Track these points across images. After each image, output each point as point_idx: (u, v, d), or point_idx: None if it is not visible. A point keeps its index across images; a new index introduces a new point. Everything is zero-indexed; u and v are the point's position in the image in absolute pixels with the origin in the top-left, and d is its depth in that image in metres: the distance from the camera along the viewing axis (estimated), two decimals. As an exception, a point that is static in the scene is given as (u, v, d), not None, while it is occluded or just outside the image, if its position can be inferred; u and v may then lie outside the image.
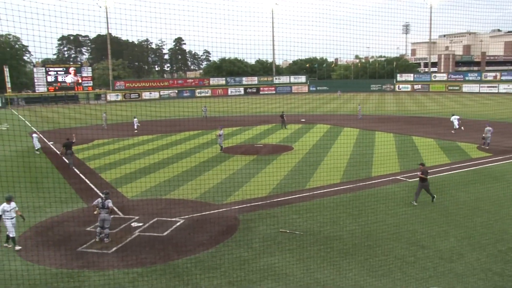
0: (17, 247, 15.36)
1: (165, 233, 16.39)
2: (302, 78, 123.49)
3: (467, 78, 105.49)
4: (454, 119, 40.70)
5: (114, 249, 15.03)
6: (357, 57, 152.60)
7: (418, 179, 19.53)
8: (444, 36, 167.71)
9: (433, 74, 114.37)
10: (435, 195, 19.41)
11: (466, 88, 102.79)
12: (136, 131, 46.25)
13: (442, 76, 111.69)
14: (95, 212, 16.38)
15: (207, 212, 18.71)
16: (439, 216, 17.52)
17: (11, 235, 15.35)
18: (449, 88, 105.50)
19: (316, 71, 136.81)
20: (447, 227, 16.35)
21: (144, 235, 16.19)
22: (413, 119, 47.94)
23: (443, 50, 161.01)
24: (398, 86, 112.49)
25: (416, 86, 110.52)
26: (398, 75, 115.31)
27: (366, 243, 14.92)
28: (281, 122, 47.64)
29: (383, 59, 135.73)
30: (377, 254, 14.11)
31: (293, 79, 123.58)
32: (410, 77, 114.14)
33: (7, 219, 15.25)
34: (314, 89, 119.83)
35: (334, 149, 32.45)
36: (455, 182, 22.57)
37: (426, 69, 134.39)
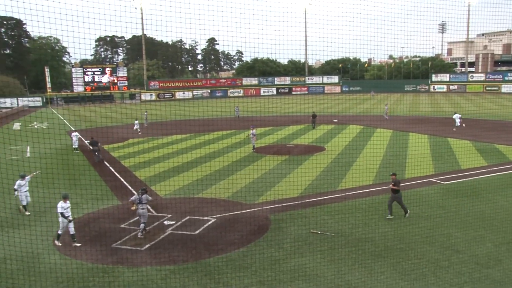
0: (76, 244, 15.64)
1: (197, 232, 16.56)
2: (335, 79, 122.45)
3: (506, 78, 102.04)
4: (456, 117, 43.26)
5: (147, 246, 15.30)
6: (391, 57, 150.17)
7: (453, 182, 19.01)
8: (483, 35, 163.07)
9: (470, 74, 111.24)
10: (408, 210, 17.77)
11: (505, 88, 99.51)
12: (139, 133, 44.53)
13: (480, 76, 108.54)
14: (132, 208, 16.76)
15: (238, 212, 18.79)
16: (475, 220, 17.04)
17: (71, 232, 15.70)
18: (487, 88, 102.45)
19: (349, 71, 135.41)
20: (484, 231, 15.90)
21: (176, 233, 16.41)
22: (448, 120, 46.75)
23: (481, 49, 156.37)
24: (433, 87, 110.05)
25: (452, 87, 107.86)
26: (433, 75, 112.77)
27: (399, 246, 14.67)
28: (311, 122, 47.61)
29: (417, 59, 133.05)
30: (409, 257, 13.86)
31: (325, 79, 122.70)
32: (445, 77, 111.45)
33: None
34: (346, 89, 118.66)
35: (366, 150, 32.04)
36: (493, 185, 21.89)
37: (463, 69, 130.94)
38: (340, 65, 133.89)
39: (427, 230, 15.90)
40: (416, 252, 14.22)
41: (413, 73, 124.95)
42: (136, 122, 47.11)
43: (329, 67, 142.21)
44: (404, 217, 17.51)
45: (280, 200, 20.33)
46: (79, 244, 15.53)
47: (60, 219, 15.54)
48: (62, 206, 15.44)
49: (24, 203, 18.95)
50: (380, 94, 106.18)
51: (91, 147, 32.57)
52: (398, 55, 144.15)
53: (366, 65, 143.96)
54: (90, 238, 16.22)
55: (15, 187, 18.84)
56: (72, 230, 15.60)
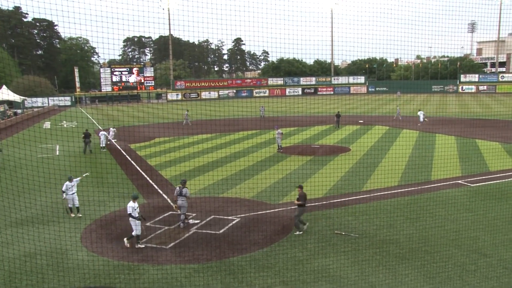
0: (140, 245, 15.47)
1: (221, 231, 16.67)
2: (361, 79, 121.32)
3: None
4: (420, 114, 49.34)
5: (171, 244, 15.47)
6: (418, 57, 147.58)
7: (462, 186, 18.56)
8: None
9: (501, 75, 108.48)
10: (307, 223, 16.53)
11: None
12: (108, 143, 38.73)
13: (511, 77, 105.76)
14: (174, 205, 17.47)
15: (262, 212, 18.83)
16: (503, 224, 16.64)
17: (135, 233, 15.61)
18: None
19: (375, 71, 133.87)
20: (513, 235, 15.51)
21: (200, 232, 16.55)
22: (477, 121, 45.80)
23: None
24: (462, 87, 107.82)
25: (481, 87, 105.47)
26: (461, 75, 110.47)
27: (424, 248, 14.45)
28: (335, 122, 47.56)
29: (446, 59, 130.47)
30: (435, 260, 13.64)
31: (351, 79, 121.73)
32: (475, 77, 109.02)
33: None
34: (373, 89, 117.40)
35: (392, 151, 31.63)
36: (523, 189, 21.32)
37: (493, 69, 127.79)
38: (366, 65, 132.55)
39: (453, 233, 15.61)
40: (442, 255, 13.98)
41: (441, 73, 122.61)
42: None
43: (355, 68, 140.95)
44: (294, 234, 16.08)
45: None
46: (142, 246, 15.33)
47: (131, 220, 15.46)
48: (132, 206, 15.35)
49: (70, 205, 18.86)
50: (406, 94, 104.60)
51: (84, 138, 35.57)
52: (426, 55, 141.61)
53: (393, 65, 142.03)
54: (116, 236, 16.51)
55: (63, 188, 18.74)
56: (138, 231, 15.44)
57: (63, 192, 18.65)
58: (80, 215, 18.67)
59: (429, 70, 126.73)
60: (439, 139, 37.68)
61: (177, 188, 17.43)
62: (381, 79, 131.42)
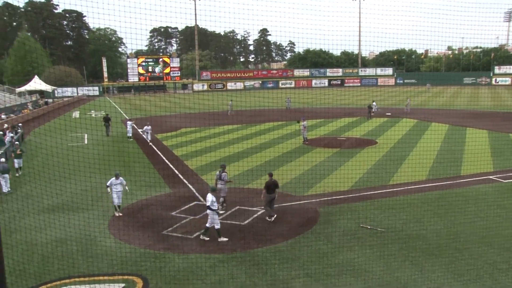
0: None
1: (246, 222, 16.75)
2: (389, 70, 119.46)
3: None
4: (373, 105, 51.32)
5: (196, 234, 15.63)
6: (449, 48, 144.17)
7: None
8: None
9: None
10: (275, 215, 16.89)
11: None
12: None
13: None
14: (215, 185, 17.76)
15: (287, 204, 18.82)
16: (537, 221, 16.18)
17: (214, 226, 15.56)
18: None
19: (404, 63, 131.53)
20: (546, 233, 15.07)
21: (225, 223, 16.64)
22: (511, 115, 44.52)
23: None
24: (495, 79, 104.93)
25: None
26: (496, 67, 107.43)
27: (453, 245, 14.19)
28: (367, 112, 48.00)
29: (479, 50, 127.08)
30: (464, 257, 13.37)
31: (379, 71, 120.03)
32: (510, 69, 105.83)
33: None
34: (401, 81, 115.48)
35: (420, 145, 31.09)
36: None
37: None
38: (395, 57, 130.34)
39: (484, 230, 15.26)
40: (472, 252, 13.70)
41: (473, 65, 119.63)
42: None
43: (383, 59, 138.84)
44: (267, 219, 16.81)
45: (330, 193, 20.18)
46: (225, 239, 15.00)
47: (209, 211, 15.03)
48: (212, 198, 14.96)
49: (115, 202, 17.83)
50: (436, 87, 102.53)
51: (104, 122, 38.94)
52: (458, 46, 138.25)
53: (422, 56, 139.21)
54: (142, 224, 16.77)
55: (108, 183, 17.83)
56: (218, 224, 15.10)
57: (107, 186, 17.81)
58: (120, 214, 17.83)
59: (461, 61, 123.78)
60: (470, 133, 36.83)
61: (217, 172, 18.22)
62: (410, 71, 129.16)
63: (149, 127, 35.87)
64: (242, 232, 15.74)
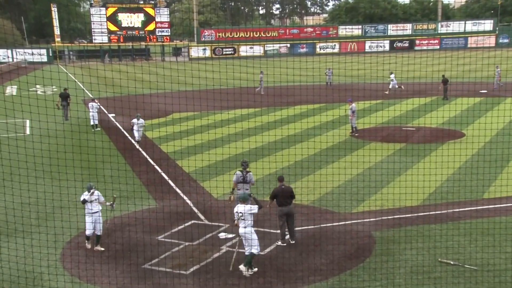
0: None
1: (265, 251, 16.74)
2: (487, 24, 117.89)
3: None
4: (391, 77, 56.31)
5: (193, 269, 15.67)
6: None
7: None
8: None
9: None
10: (295, 236, 17.51)
11: None
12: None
13: None
14: (231, 199, 18.17)
15: (327, 225, 18.78)
16: None
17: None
18: None
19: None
20: None
21: (235, 252, 16.66)
22: None
23: None
24: None
25: None
26: None
27: None
28: (443, 90, 48.75)
29: None
30: None
31: (470, 26, 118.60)
32: None
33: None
34: (506, 41, 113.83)
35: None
36: None
37: None
38: (499, 2, 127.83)
39: None
40: None
41: None
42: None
43: (478, 7, 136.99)
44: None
45: (391, 210, 20.11)
46: (255, 269, 15.43)
47: (245, 232, 15.33)
48: (247, 210, 15.38)
49: (89, 232, 17.51)
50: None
51: (59, 100, 41.76)
52: None
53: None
54: (114, 254, 16.87)
55: (82, 198, 17.37)
56: (257, 248, 15.45)
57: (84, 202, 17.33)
58: (102, 249, 17.46)
59: None
60: None
61: (237, 172, 18.44)
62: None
63: (142, 121, 33.57)
64: (261, 265, 15.74)
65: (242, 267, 15.27)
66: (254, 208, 15.34)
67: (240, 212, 15.26)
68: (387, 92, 54.95)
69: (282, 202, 17.09)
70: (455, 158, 26.58)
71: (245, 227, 15.21)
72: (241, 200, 15.42)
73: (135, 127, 32.03)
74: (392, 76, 56.01)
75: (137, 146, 32.32)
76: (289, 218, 17.31)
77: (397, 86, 55.93)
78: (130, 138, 34.24)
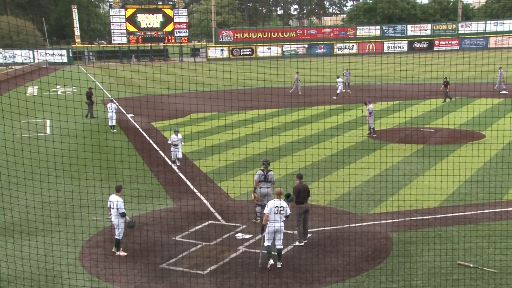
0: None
1: (283, 252, 16.70)
2: (508, 24, 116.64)
3: None
4: (345, 73, 58.75)
5: (210, 269, 15.70)
6: None
7: None
8: None
9: None
10: (308, 235, 17.67)
11: None
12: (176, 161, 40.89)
13: None
14: (253, 198, 18.53)
15: (344, 226, 18.75)
16: None
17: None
18: None
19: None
20: None
21: (252, 252, 16.66)
22: None
23: None
24: None
25: None
26: None
27: None
28: (443, 92, 49.68)
29: None
30: None
31: (491, 26, 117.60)
32: None
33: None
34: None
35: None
36: None
37: None
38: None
39: None
40: None
41: None
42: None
43: (499, 6, 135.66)
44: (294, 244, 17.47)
45: (409, 211, 20.05)
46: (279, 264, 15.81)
47: (281, 227, 15.88)
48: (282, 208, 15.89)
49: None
50: None
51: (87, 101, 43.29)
52: None
53: None
54: (131, 254, 16.95)
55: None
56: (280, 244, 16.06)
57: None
58: (123, 254, 17.26)
59: None
60: None
61: (259, 171, 18.84)
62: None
63: (180, 137, 29.10)
64: (276, 266, 15.73)
65: (278, 264, 15.64)
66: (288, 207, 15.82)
67: (282, 207, 15.60)
68: (335, 98, 53.80)
69: (302, 199, 17.26)
70: (474, 160, 26.43)
71: (280, 222, 15.64)
72: (285, 197, 16.00)
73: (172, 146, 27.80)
74: (339, 80, 56.45)
75: (174, 167, 27.81)
76: (306, 216, 17.44)
77: (344, 90, 56.48)
78: (148, 138, 34.26)
